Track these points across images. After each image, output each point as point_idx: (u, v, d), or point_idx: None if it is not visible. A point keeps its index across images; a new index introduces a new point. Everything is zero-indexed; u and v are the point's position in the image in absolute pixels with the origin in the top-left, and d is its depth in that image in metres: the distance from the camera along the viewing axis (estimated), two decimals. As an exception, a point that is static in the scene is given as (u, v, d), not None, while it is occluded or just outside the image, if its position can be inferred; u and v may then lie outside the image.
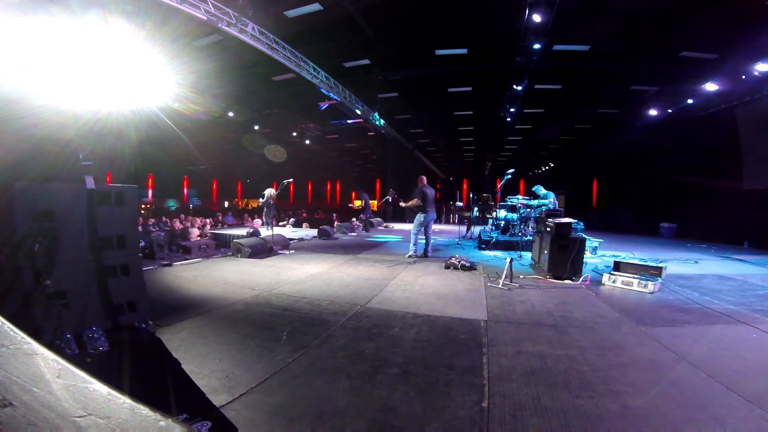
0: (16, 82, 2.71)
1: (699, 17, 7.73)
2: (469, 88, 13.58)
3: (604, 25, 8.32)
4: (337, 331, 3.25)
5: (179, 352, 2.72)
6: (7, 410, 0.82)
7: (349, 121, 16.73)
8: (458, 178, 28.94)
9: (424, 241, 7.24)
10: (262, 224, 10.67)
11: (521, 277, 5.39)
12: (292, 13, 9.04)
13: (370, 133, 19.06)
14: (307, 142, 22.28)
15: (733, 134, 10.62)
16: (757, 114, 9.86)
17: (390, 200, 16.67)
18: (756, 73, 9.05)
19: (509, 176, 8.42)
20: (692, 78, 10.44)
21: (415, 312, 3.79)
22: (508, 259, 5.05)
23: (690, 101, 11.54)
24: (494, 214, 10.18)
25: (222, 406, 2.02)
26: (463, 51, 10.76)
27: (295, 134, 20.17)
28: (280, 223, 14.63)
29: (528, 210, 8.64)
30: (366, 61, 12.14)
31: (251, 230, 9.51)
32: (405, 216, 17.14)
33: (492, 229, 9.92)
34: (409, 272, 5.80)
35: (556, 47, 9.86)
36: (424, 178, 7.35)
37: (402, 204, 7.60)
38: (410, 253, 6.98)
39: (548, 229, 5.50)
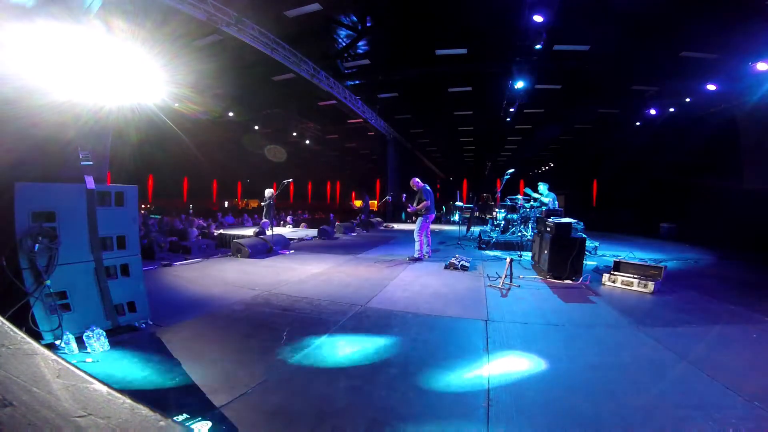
0: (17, 82, 2.71)
1: (699, 17, 7.73)
2: (469, 88, 13.58)
3: (604, 25, 8.32)
4: (337, 331, 3.25)
5: (179, 352, 2.72)
6: (7, 410, 0.82)
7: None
8: (458, 178, 28.94)
9: (425, 242, 7.19)
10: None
11: (521, 277, 5.39)
12: (292, 13, 9.04)
13: (370, 133, 19.07)
14: (307, 142, 22.30)
15: (733, 134, 10.62)
16: (757, 114, 9.86)
17: (390, 200, 16.71)
18: (756, 73, 9.04)
19: (509, 176, 8.42)
20: (692, 78, 10.45)
21: (415, 312, 3.79)
22: (508, 259, 5.04)
23: (689, 101, 11.55)
24: (494, 213, 10.18)
25: (222, 406, 2.02)
26: (463, 51, 10.76)
27: (295, 134, 20.16)
28: (280, 223, 14.63)
29: (528, 210, 8.64)
30: (366, 61, 12.14)
31: (257, 230, 9.50)
32: (405, 216, 17.15)
33: (492, 229, 9.93)
34: (409, 272, 5.79)
35: (556, 47, 9.86)
36: (418, 179, 7.14)
37: (411, 210, 7.15)
38: (415, 255, 6.80)
39: (548, 229, 5.50)
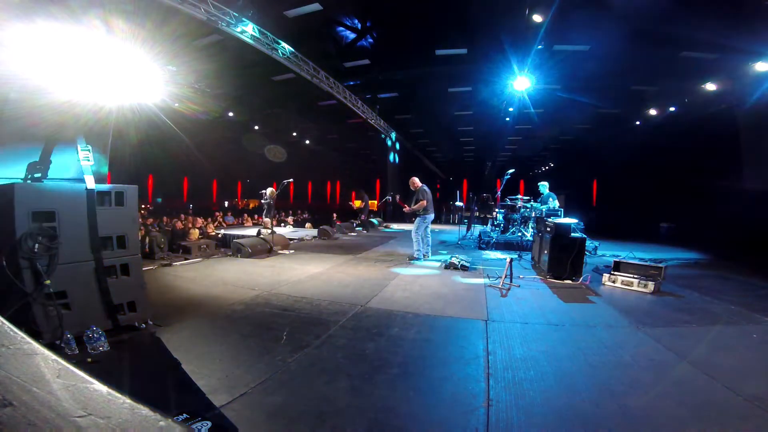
0: (17, 82, 2.71)
1: (699, 17, 7.73)
2: (469, 88, 13.58)
3: (604, 25, 8.32)
4: (337, 331, 3.24)
5: (179, 352, 2.72)
6: (7, 410, 0.82)
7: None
8: (458, 178, 28.91)
9: (425, 242, 7.17)
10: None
11: (521, 277, 5.39)
12: (292, 13, 9.04)
13: (370, 134, 19.06)
14: (307, 142, 22.30)
15: (733, 134, 10.61)
16: (757, 114, 9.85)
17: (390, 200, 16.71)
18: (756, 73, 9.04)
19: (509, 176, 8.42)
20: (692, 78, 10.44)
21: (415, 312, 3.79)
22: (508, 259, 5.04)
23: (689, 101, 11.55)
24: (494, 213, 10.18)
25: (222, 406, 2.02)
26: (463, 51, 10.76)
27: (295, 134, 20.13)
28: (280, 224, 14.62)
29: (528, 210, 8.64)
30: (366, 61, 12.14)
31: (258, 229, 9.47)
32: (404, 216, 17.13)
33: (492, 229, 9.92)
34: (409, 272, 5.79)
35: (556, 47, 9.86)
36: (417, 179, 7.12)
37: (407, 209, 7.15)
38: (415, 255, 6.80)
39: (548, 229, 5.50)
